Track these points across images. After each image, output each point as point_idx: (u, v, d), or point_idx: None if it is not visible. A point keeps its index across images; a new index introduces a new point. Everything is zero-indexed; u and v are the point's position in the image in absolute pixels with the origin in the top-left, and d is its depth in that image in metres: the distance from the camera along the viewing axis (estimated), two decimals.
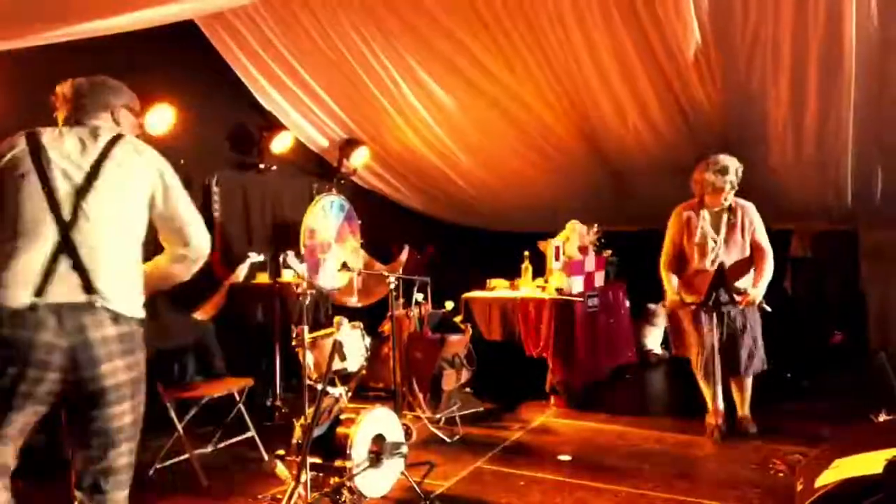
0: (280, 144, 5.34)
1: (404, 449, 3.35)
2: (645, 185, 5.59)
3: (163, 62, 4.32)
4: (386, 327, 4.47)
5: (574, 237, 5.24)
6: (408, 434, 3.59)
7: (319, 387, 3.13)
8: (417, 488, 3.33)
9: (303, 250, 5.15)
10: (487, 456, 3.97)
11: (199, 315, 4.34)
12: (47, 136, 2.15)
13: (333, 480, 3.15)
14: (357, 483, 3.11)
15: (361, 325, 3.87)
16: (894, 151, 4.44)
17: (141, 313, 2.14)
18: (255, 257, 4.77)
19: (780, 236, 5.69)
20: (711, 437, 4.15)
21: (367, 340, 3.88)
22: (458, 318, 5.03)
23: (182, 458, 3.72)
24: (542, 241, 5.29)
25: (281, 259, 4.79)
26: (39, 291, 1.98)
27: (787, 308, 4.91)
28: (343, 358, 3.52)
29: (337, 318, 3.34)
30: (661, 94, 4.41)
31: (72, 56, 3.07)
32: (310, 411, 3.14)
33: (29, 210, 2.04)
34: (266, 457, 3.85)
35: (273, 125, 5.31)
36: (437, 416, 4.44)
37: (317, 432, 3.09)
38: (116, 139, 2.18)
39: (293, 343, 3.53)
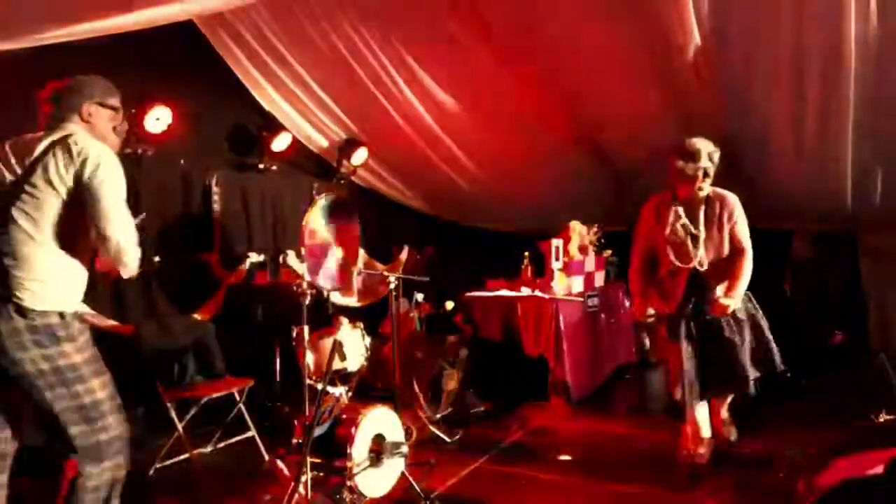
0: (280, 144, 5.33)
1: (404, 449, 3.35)
2: (645, 186, 5.58)
3: (163, 62, 4.33)
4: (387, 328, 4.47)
5: (574, 237, 5.24)
6: (408, 434, 3.59)
7: (319, 387, 3.13)
8: (417, 488, 3.33)
9: (303, 250, 5.13)
10: (487, 456, 3.97)
11: (199, 315, 4.34)
12: (22, 140, 2.33)
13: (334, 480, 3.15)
14: (357, 483, 3.12)
15: (361, 325, 3.87)
16: (894, 152, 4.44)
17: (57, 307, 2.25)
18: (255, 257, 4.76)
19: (781, 237, 5.70)
20: (687, 460, 3.69)
21: (367, 340, 3.88)
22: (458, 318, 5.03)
23: (182, 458, 3.73)
24: (543, 241, 5.30)
25: (281, 259, 4.78)
26: None
27: (786, 308, 4.90)
28: (343, 358, 3.53)
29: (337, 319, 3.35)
30: (661, 93, 4.41)
31: (71, 56, 3.06)
32: (310, 411, 3.14)
33: None
34: (266, 457, 3.86)
35: (273, 125, 5.30)
36: (437, 416, 4.43)
37: (317, 432, 3.10)
38: (56, 142, 2.26)
39: (293, 343, 3.53)
